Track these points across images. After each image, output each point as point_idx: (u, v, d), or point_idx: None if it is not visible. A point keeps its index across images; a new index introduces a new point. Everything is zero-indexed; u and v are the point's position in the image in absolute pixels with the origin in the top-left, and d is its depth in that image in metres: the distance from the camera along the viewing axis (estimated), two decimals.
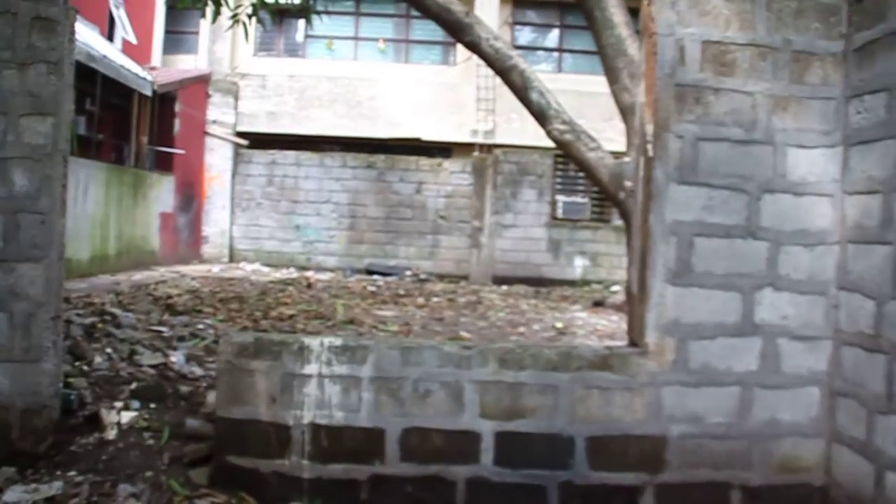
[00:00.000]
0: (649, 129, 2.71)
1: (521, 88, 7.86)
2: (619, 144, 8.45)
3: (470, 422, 2.67)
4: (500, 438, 2.68)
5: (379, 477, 2.65)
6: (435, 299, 8.90)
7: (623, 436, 2.68)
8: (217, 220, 13.45)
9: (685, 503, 2.70)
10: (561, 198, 13.18)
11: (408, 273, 12.69)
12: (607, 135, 9.81)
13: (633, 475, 2.69)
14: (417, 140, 13.59)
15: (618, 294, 10.13)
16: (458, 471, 2.66)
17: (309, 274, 11.73)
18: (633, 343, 2.81)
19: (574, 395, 2.69)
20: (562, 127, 7.82)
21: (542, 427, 2.68)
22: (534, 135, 7.96)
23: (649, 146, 2.71)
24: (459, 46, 10.87)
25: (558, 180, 13.18)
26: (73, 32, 2.83)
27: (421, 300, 8.79)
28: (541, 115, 7.80)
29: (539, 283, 12.23)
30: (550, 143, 8.12)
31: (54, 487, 2.44)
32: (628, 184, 8.83)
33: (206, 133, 13.30)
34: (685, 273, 2.67)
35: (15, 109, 2.74)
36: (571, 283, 12.40)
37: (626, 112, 7.18)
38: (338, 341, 2.70)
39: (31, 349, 2.67)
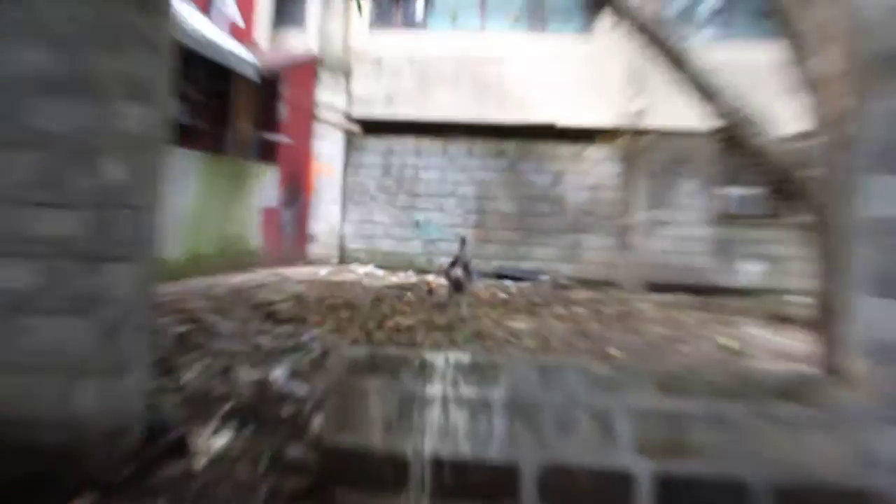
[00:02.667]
0: (844, 106, 2.53)
1: (677, 61, 7.51)
2: (800, 125, 7.90)
3: (623, 460, 2.59)
4: (661, 482, 2.57)
5: None
6: (577, 309, 8.80)
7: (818, 487, 2.48)
8: (326, 216, 13.73)
9: None
10: (729, 190, 12.69)
11: (544, 278, 12.62)
12: (785, 114, 9.23)
13: None
14: (554, 125, 13.39)
15: (804, 307, 9.36)
16: None
17: (430, 278, 11.81)
18: (830, 369, 2.65)
19: (754, 431, 2.54)
20: (728, 106, 7.46)
21: (713, 470, 2.54)
22: (694, 116, 7.77)
23: (844, 127, 2.52)
24: (604, 14, 10.46)
25: (725, 169, 12.74)
26: (171, 10, 2.87)
27: (560, 310, 8.70)
28: (702, 93, 7.46)
29: (703, 291, 11.83)
30: (714, 126, 7.71)
31: None
32: (815, 173, 8.35)
33: (314, 119, 13.56)
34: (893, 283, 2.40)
35: (108, 93, 2.73)
36: (743, 293, 11.90)
37: (811, 86, 6.67)
38: (466, 358, 2.71)
39: (116, 362, 2.68)
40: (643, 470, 2.56)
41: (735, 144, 9.12)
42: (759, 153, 7.83)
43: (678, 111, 11.80)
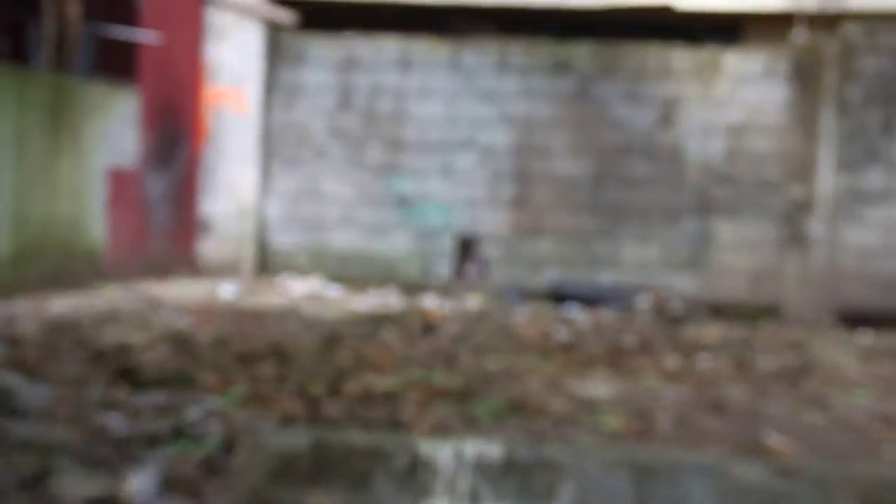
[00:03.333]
0: None
1: None
2: None
3: None
4: None
5: None
6: (704, 360, 8.41)
7: None
8: (231, 186, 13.00)
9: None
10: None
11: (641, 300, 11.87)
12: None
13: None
14: (670, 8, 12.56)
15: None
16: None
17: (427, 302, 11.29)
18: None
19: None
20: None
21: None
22: None
23: None
24: None
25: None
26: None
27: (673, 361, 8.28)
28: None
29: None
30: None
31: None
32: None
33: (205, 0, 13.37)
34: None
35: None
36: None
37: None
38: (494, 450, 2.50)
39: None
40: None
41: None
42: None
43: None
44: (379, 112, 13.18)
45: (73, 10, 10.78)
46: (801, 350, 9.38)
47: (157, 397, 5.63)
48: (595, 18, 12.95)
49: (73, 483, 3.92)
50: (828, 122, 11.92)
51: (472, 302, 12.07)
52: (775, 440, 5.66)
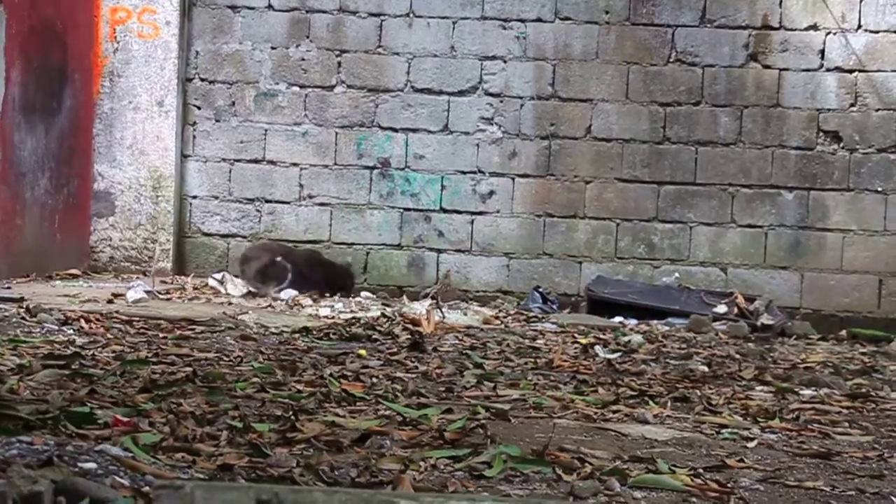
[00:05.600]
0: None
1: None
2: None
3: None
4: None
5: None
6: (806, 394, 8.38)
7: None
8: (139, 144, 12.83)
9: None
10: None
11: (720, 310, 11.65)
12: None
13: None
14: None
15: None
16: None
17: (416, 308, 11.09)
18: None
19: None
20: None
21: None
22: None
23: None
24: None
25: None
26: None
27: (761, 394, 8.25)
28: None
29: None
30: None
31: None
32: None
33: None
34: None
35: None
36: None
37: None
38: None
39: None
40: None
41: None
42: None
43: None
44: (345, 39, 12.97)
45: None
46: None
47: (36, 443, 5.37)
48: None
49: None
50: None
51: (478, 310, 12.10)
52: None
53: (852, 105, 12.33)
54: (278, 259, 10.08)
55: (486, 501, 2.81)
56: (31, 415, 5.79)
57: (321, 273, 10.46)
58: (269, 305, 11.22)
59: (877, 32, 12.34)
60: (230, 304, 10.85)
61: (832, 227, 12.29)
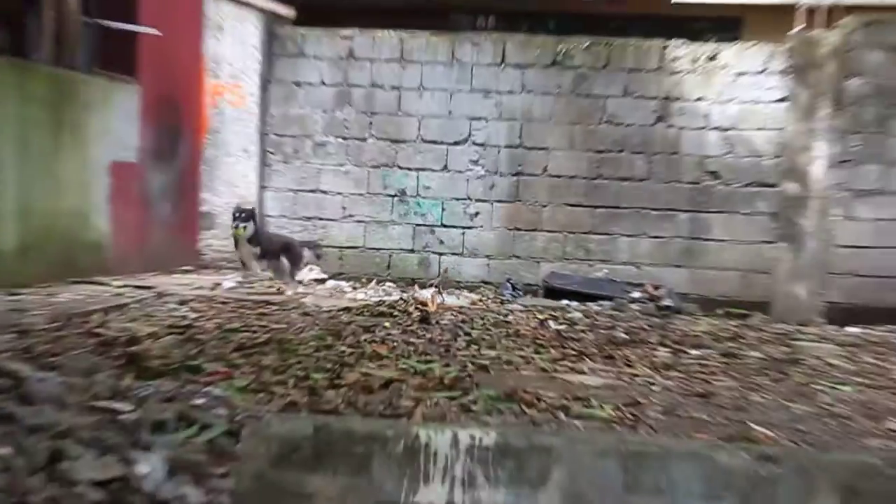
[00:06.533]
0: None
1: None
2: None
3: None
4: None
5: None
6: (694, 353, 8.52)
7: None
8: (231, 180, 13.00)
9: None
10: None
11: (636, 295, 11.77)
12: None
13: None
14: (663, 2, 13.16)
15: None
16: None
17: (424, 294, 11.13)
18: None
19: None
20: None
21: None
22: None
23: None
24: None
25: None
26: None
27: (663, 354, 8.41)
28: None
29: None
30: None
31: None
32: None
33: None
34: None
35: None
36: None
37: None
38: (490, 438, 2.56)
39: None
40: None
41: None
42: None
43: None
44: (377, 107, 13.06)
45: (73, 2, 10.48)
46: (789, 344, 9.45)
47: (163, 386, 5.64)
48: (592, 13, 13.05)
49: (85, 467, 3.99)
50: (824, 118, 11.75)
51: (468, 295, 12.08)
52: (761, 428, 5.78)
53: (728, 153, 12.33)
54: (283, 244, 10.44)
55: (470, 429, 2.73)
56: (159, 367, 5.99)
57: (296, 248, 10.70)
58: (320, 291, 11.27)
59: (744, 103, 12.29)
60: (290, 291, 10.79)
61: (713, 238, 12.34)
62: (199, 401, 5.32)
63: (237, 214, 10.46)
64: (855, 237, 11.87)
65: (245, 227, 10.11)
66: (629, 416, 5.89)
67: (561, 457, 2.48)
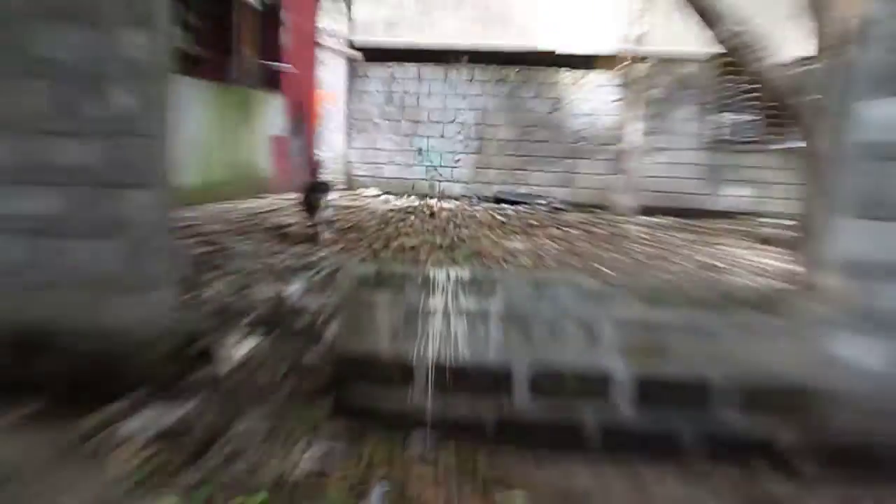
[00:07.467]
0: (846, 28, 2.54)
1: None
2: (805, 49, 7.65)
3: (607, 362, 2.70)
4: (640, 381, 2.71)
5: (506, 414, 2.75)
6: (570, 231, 8.95)
7: (782, 386, 2.65)
8: (331, 144, 13.57)
9: (848, 469, 2.65)
10: (725, 116, 12.71)
11: (541, 202, 12.69)
12: (790, 37, 8.98)
13: (790, 434, 2.66)
14: (554, 52, 13.36)
15: (785, 229, 9.81)
16: (590, 411, 2.73)
17: (432, 202, 11.93)
18: (804, 285, 2.74)
19: (729, 340, 2.65)
20: (734, 29, 7.01)
21: (688, 373, 2.67)
22: (694, 41, 7.77)
23: (843, 51, 2.54)
24: None
25: (719, 96, 12.73)
26: None
27: (555, 231, 8.82)
28: (705, 17, 7.10)
29: (693, 214, 12.02)
30: (715, 51, 7.50)
31: (174, 416, 2.63)
32: (808, 99, 8.19)
33: (317, 46, 13.23)
34: (878, 205, 2.55)
35: (110, 20, 2.70)
36: (731, 216, 12.09)
37: (815, 8, 6.24)
38: (465, 274, 2.77)
39: (144, 280, 2.75)
40: (623, 372, 2.69)
41: (734, 70, 8.46)
42: (756, 79, 7.69)
43: (679, 36, 12.10)
44: (406, 104, 13.94)
45: (250, 53, 11.19)
46: (618, 226, 9.86)
47: (299, 249, 6.04)
48: (520, 54, 13.55)
49: (262, 289, 4.34)
50: (639, 110, 12.53)
51: (454, 203, 12.34)
52: (603, 268, 6.17)
53: (589, 127, 13.36)
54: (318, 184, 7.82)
55: (455, 269, 2.82)
56: (296, 239, 6.40)
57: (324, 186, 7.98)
58: (377, 201, 11.80)
59: (598, 102, 13.35)
60: (364, 201, 11.45)
61: (580, 172, 13.44)
62: (316, 257, 5.63)
63: (316, 188, 7.53)
64: (653, 172, 12.72)
65: (325, 203, 7.15)
66: (537, 263, 6.28)
67: (502, 283, 2.74)
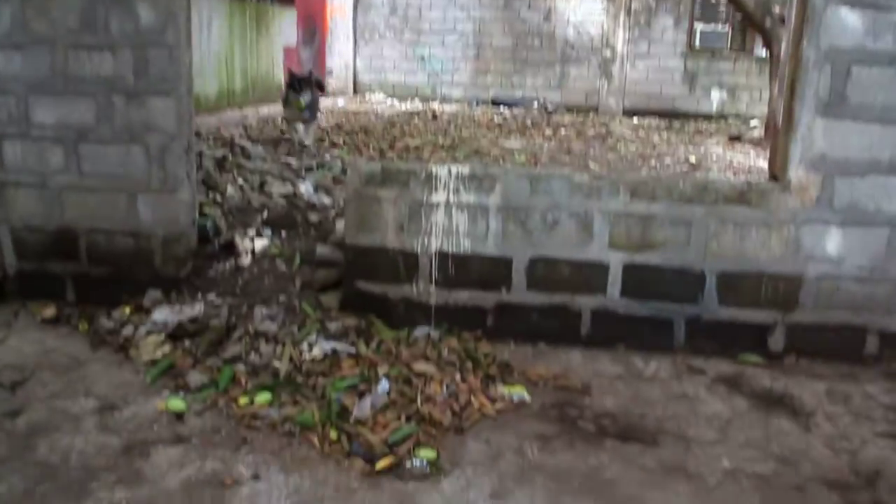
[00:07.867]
0: None
1: None
2: None
3: (598, 253, 2.64)
4: (629, 271, 2.64)
5: (504, 305, 2.68)
6: (562, 131, 8.78)
7: (757, 273, 2.61)
8: (340, 53, 13.30)
9: (816, 344, 2.65)
10: (699, 25, 12.27)
11: (534, 104, 12.33)
12: None
13: (764, 313, 2.65)
14: None
15: (757, 129, 9.56)
16: (584, 301, 2.67)
17: (434, 105, 11.66)
18: (774, 178, 2.68)
19: (708, 229, 2.60)
20: None
21: (672, 261, 2.62)
22: None
23: None
24: None
25: (697, 7, 12.25)
26: None
27: (548, 132, 8.66)
28: None
29: (673, 115, 11.64)
30: None
31: (196, 309, 2.58)
32: (777, 8, 7.95)
33: None
34: (838, 104, 2.48)
35: None
36: (707, 117, 11.74)
37: None
38: (466, 170, 2.64)
39: (168, 180, 2.74)
40: (614, 261, 2.62)
41: None
42: None
43: None
44: (409, 16, 13.44)
45: None
46: (606, 127, 9.65)
47: (310, 150, 5.89)
48: None
49: (277, 188, 4.25)
50: (621, 20, 12.26)
51: (454, 104, 12.13)
52: (593, 165, 6.14)
53: (577, 35, 12.78)
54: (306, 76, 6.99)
55: (456, 166, 2.68)
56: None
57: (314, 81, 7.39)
58: (383, 105, 11.54)
59: (585, 13, 12.65)
60: (370, 105, 11.10)
61: (571, 75, 12.92)
62: (327, 157, 5.59)
63: (295, 83, 6.55)
64: (636, 77, 12.34)
65: (303, 100, 6.40)
66: (532, 160, 6.24)
67: (500, 179, 2.59)
